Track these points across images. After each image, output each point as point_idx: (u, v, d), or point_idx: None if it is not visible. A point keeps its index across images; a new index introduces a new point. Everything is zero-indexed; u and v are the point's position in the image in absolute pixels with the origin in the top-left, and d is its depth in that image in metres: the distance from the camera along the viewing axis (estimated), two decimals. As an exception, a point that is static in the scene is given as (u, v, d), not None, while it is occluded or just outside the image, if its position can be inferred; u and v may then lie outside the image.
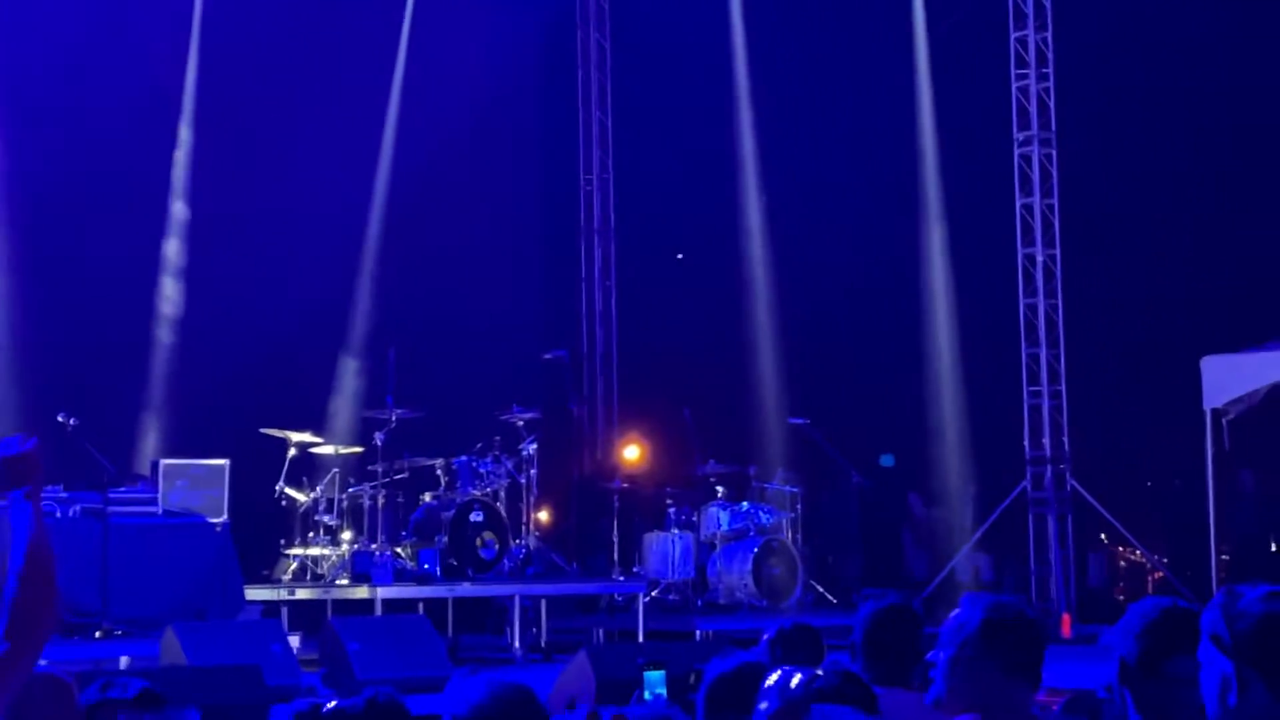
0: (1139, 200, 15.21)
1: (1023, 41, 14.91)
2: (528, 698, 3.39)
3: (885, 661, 4.68)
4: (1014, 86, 14.95)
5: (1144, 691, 3.54)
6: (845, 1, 15.96)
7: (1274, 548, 14.47)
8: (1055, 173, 14.83)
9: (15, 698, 3.01)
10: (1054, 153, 14.86)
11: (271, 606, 11.88)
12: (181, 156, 15.13)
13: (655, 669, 5.82)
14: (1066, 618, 14.08)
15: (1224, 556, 13.55)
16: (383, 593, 11.66)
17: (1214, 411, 13.75)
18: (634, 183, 17.45)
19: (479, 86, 16.19)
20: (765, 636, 5.52)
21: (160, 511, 11.40)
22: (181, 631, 9.46)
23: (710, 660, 4.20)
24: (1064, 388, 14.70)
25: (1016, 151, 14.96)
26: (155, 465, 11.96)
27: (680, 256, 17.25)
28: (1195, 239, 15.04)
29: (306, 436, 12.81)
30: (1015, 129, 14.96)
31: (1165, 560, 15.12)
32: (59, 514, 10.57)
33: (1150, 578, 15.38)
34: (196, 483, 11.77)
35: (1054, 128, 14.86)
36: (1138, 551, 15.28)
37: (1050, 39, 14.82)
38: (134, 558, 10.58)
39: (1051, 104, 14.85)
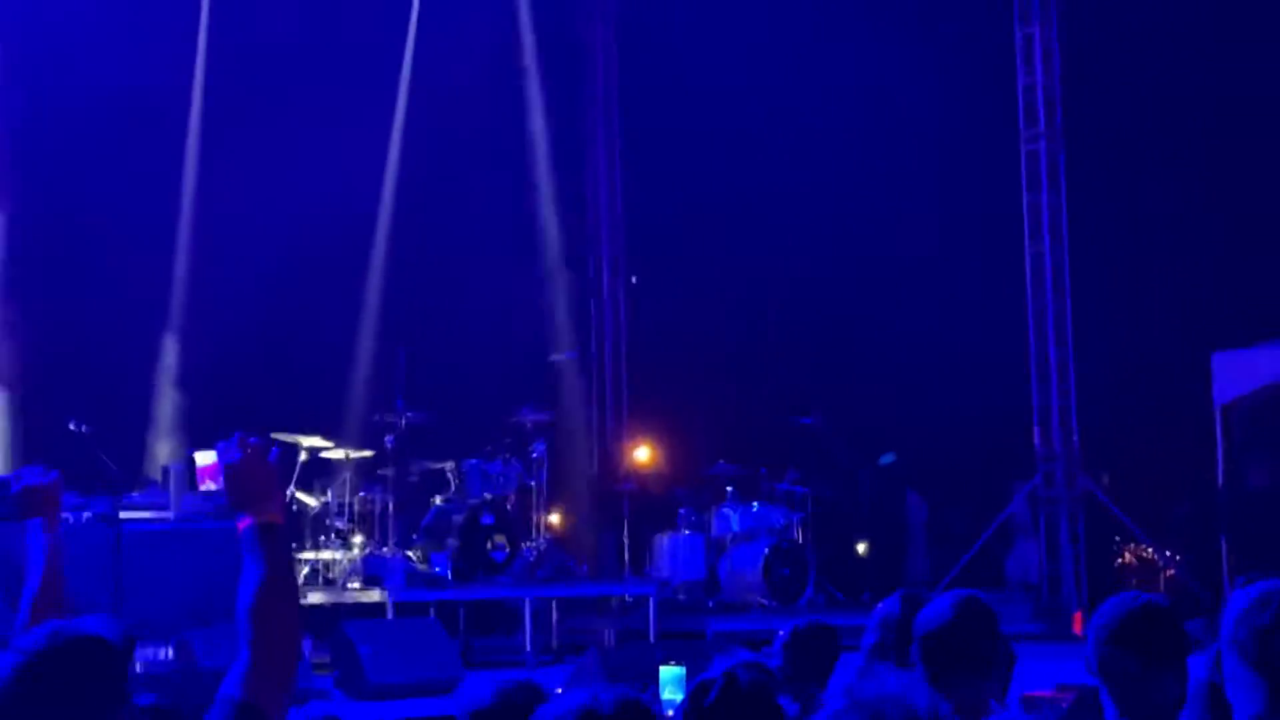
0: (1148, 196, 15.20)
1: (1029, 38, 14.91)
2: (536, 696, 3.34)
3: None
4: (1020, 83, 14.94)
5: (1117, 688, 3.57)
6: (852, 4, 15.96)
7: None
8: (1063, 170, 14.83)
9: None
10: (1061, 149, 14.85)
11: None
12: (189, 160, 15.16)
13: (673, 666, 5.75)
14: (1078, 615, 14.08)
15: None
16: (394, 596, 11.69)
17: (1224, 408, 13.75)
18: (644, 184, 17.46)
19: (489, 87, 16.21)
20: (780, 636, 5.50)
21: (172, 516, 11.42)
22: (195, 635, 9.48)
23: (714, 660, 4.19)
24: (1073, 385, 14.69)
25: (1024, 149, 14.95)
26: (166, 470, 11.98)
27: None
28: (1206, 234, 15.02)
29: (317, 440, 12.83)
30: (1022, 125, 14.95)
31: (1177, 557, 15.11)
32: (71, 519, 10.59)
33: (1162, 575, 15.37)
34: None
35: (1060, 124, 14.86)
36: (1149, 549, 15.27)
37: (1055, 35, 14.81)
38: (147, 562, 10.59)
39: (1058, 100, 14.85)
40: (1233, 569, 13.41)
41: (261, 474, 2.99)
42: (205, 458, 3.06)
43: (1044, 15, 14.81)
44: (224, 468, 2.96)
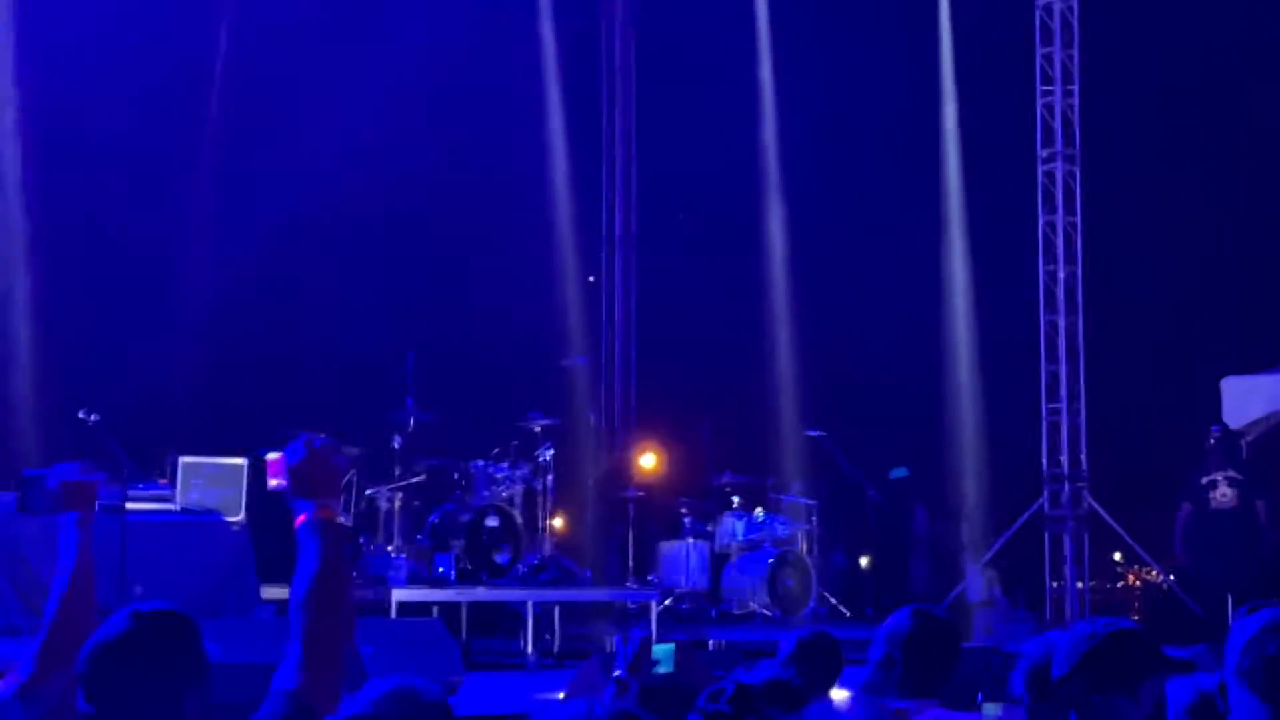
0: (1162, 219, 15.20)
1: (1049, 58, 14.90)
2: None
3: (921, 673, 4.68)
4: (1039, 103, 14.94)
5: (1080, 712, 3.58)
6: (871, 17, 15.96)
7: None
8: (1079, 190, 14.82)
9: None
10: (1078, 170, 14.85)
11: (286, 606, 11.89)
12: (202, 153, 15.20)
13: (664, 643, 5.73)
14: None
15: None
16: (397, 595, 11.68)
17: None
18: (657, 191, 17.47)
19: (505, 90, 16.23)
20: (784, 646, 5.48)
21: (178, 509, 11.42)
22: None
23: (734, 670, 4.17)
24: (1083, 405, 14.67)
25: (1040, 168, 14.95)
26: (173, 463, 11.98)
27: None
28: (1217, 259, 15.02)
29: (324, 438, 12.79)
30: (1039, 145, 14.95)
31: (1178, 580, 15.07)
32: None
33: (1165, 596, 15.33)
34: (213, 481, 11.78)
35: (1078, 145, 14.85)
36: (1154, 570, 15.25)
37: (1076, 56, 14.81)
38: (151, 554, 10.58)
39: (1076, 121, 14.84)
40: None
41: (323, 470, 3.08)
42: (275, 456, 3.14)
43: (1064, 36, 14.81)
44: (288, 463, 3.06)
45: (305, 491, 3.06)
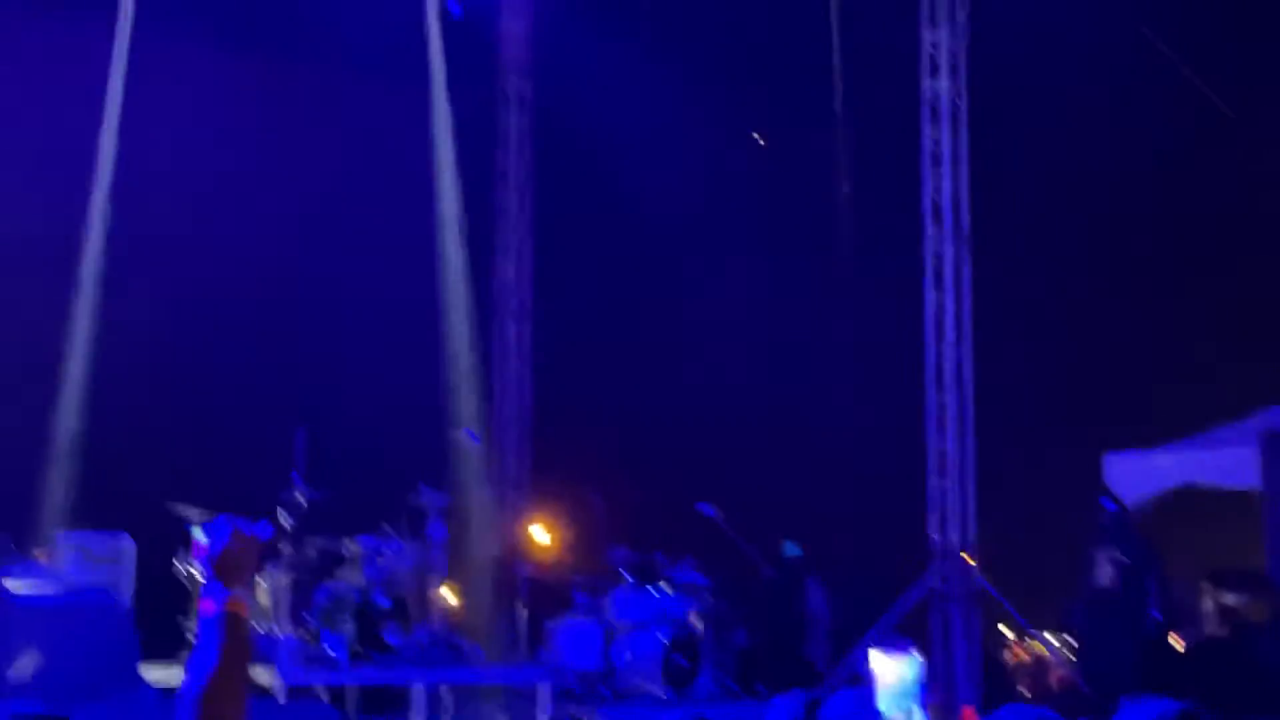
0: (1048, 296, 15.46)
1: (936, 143, 15.15)
2: None
3: None
4: (927, 187, 15.17)
5: None
6: (765, 95, 16.15)
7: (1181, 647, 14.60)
8: (968, 270, 15.04)
9: None
10: (966, 251, 15.07)
11: (171, 690, 11.62)
12: (94, 222, 15.01)
13: None
14: (969, 711, 14.10)
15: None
16: (286, 678, 11.46)
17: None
18: (551, 264, 17.46)
19: (395, 164, 16.19)
20: None
21: (58, 588, 11.15)
22: (82, 716, 9.23)
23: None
24: (972, 481, 14.82)
25: (929, 248, 15.15)
26: (55, 540, 11.72)
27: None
28: (1102, 337, 15.30)
29: (210, 514, 12.59)
30: (928, 226, 15.16)
31: (1070, 656, 15.23)
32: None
33: (1053, 674, 15.47)
34: (93, 557, 11.54)
35: (966, 225, 15.09)
36: (1043, 646, 15.38)
37: (965, 138, 15.08)
38: (31, 636, 10.32)
39: (965, 203, 15.08)
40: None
41: (241, 559, 2.93)
42: (200, 537, 2.99)
43: (954, 124, 15.07)
44: (210, 549, 2.91)
45: (220, 578, 2.91)
